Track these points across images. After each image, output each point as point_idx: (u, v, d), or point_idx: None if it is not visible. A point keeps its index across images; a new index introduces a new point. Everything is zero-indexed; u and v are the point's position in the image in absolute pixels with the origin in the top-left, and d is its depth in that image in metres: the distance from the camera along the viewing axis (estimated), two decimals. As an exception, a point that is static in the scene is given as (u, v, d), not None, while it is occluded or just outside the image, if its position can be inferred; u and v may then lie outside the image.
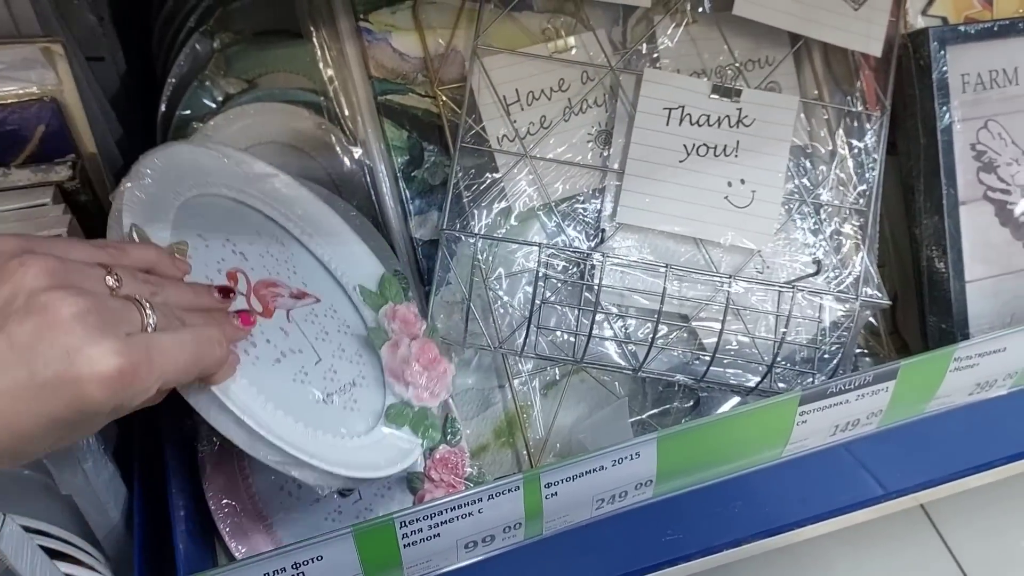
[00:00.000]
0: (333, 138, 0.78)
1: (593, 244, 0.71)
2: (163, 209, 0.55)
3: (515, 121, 0.73)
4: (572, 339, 0.70)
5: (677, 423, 0.75)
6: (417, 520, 0.51)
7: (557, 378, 0.75)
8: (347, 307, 0.66)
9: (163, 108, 0.82)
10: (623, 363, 0.72)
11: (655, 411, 0.77)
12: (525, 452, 0.73)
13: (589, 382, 0.77)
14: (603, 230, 0.69)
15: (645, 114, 0.72)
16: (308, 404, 0.57)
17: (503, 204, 0.73)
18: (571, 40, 0.76)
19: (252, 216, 0.65)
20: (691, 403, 0.75)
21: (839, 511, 0.74)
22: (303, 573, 0.49)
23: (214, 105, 0.80)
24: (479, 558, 0.57)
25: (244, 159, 0.64)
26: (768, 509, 0.71)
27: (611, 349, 0.73)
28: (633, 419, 0.72)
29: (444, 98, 0.74)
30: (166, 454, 0.60)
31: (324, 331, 0.63)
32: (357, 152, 0.77)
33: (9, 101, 0.58)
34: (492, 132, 0.73)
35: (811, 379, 0.72)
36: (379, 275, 0.68)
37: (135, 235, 0.50)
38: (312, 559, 0.49)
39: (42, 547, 0.46)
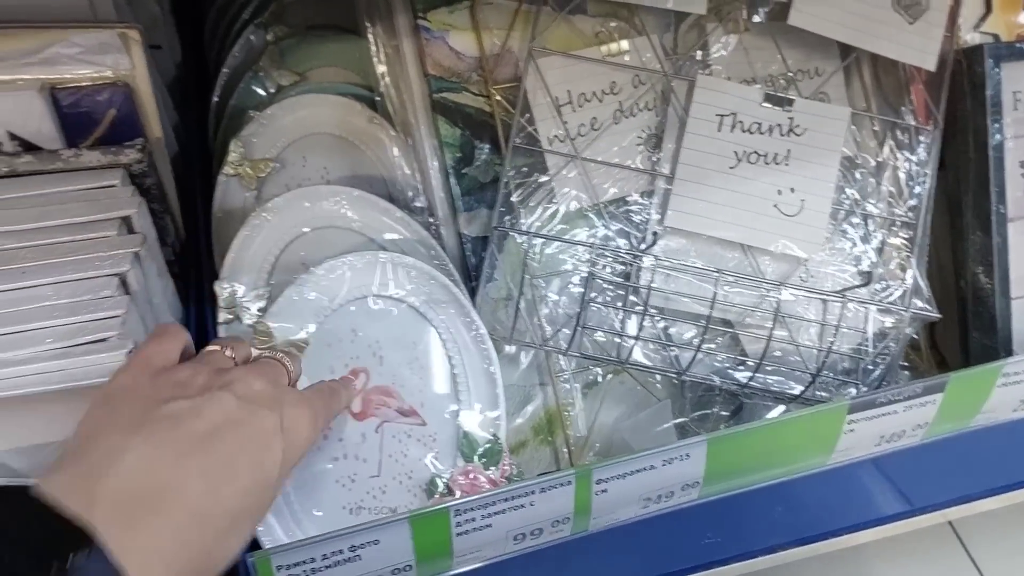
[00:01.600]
0: (383, 133, 0.79)
1: (641, 246, 0.71)
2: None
3: (566, 122, 0.74)
4: (616, 340, 0.71)
5: (715, 428, 0.75)
6: (471, 509, 0.52)
7: (598, 378, 0.75)
8: (450, 444, 0.67)
9: (216, 98, 0.83)
10: (666, 366, 0.73)
11: (694, 415, 0.77)
12: (565, 450, 0.73)
13: (628, 383, 0.77)
14: (655, 233, 0.70)
15: (697, 120, 0.72)
16: (334, 508, 0.62)
17: (552, 204, 0.73)
18: (624, 44, 0.77)
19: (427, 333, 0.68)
20: (732, 409, 0.75)
21: (873, 522, 0.74)
22: (359, 555, 0.50)
23: (266, 96, 0.81)
24: (525, 551, 0.57)
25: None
26: (806, 516, 0.71)
27: (654, 352, 0.74)
28: (672, 422, 0.73)
29: (498, 97, 0.75)
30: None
31: (404, 454, 0.65)
32: (407, 148, 0.78)
33: (84, 84, 0.59)
34: (544, 132, 0.74)
35: (854, 389, 0.72)
36: (488, 436, 0.68)
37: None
38: (369, 542, 0.50)
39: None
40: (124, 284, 0.54)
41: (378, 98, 0.80)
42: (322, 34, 0.84)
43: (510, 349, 0.73)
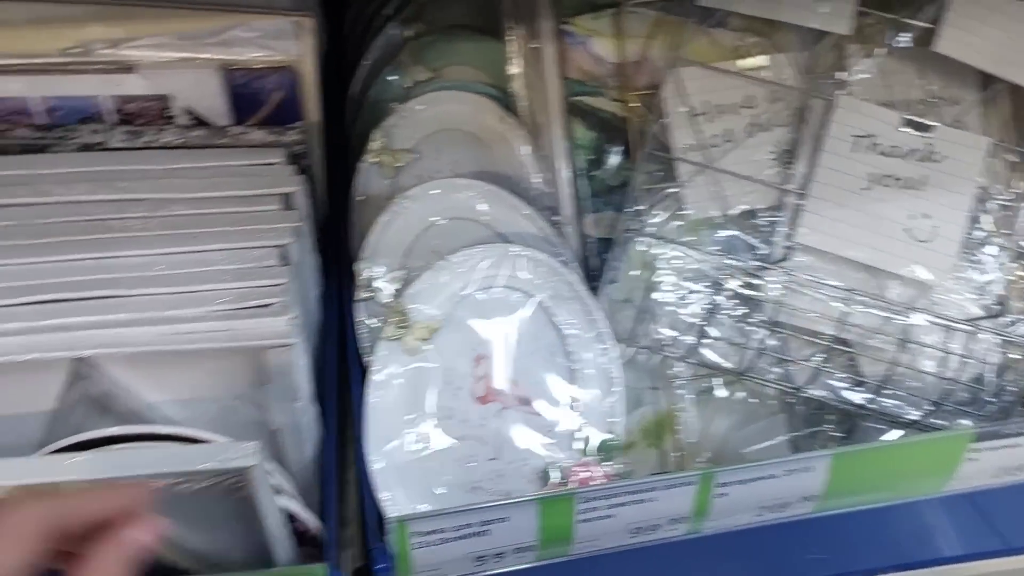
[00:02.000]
0: (512, 132, 0.81)
1: (767, 260, 0.72)
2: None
3: (700, 132, 0.76)
4: (735, 350, 0.72)
5: (824, 446, 0.76)
6: (596, 499, 0.54)
7: (712, 387, 0.76)
8: (566, 436, 0.68)
9: (354, 89, 0.87)
10: (781, 380, 0.73)
11: (803, 432, 0.77)
12: (674, 455, 0.75)
13: (736, 396, 0.78)
14: (788, 248, 0.71)
15: (834, 139, 0.73)
16: (454, 486, 0.64)
17: (680, 212, 0.75)
18: (762, 59, 0.78)
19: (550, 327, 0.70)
20: (844, 429, 0.75)
21: (982, 555, 0.74)
22: (488, 531, 0.53)
23: (401, 90, 0.84)
24: (640, 545, 0.59)
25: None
26: (914, 542, 0.71)
27: (769, 365, 0.74)
28: (784, 437, 0.74)
29: (634, 103, 0.76)
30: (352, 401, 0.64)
31: (521, 441, 0.67)
32: (536, 147, 0.80)
33: (256, 67, 0.63)
34: (677, 141, 0.75)
35: (968, 420, 0.71)
36: (606, 432, 0.69)
37: None
38: (498, 519, 0.52)
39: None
40: (284, 256, 0.57)
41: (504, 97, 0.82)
42: (457, 33, 0.87)
43: (626, 350, 0.75)
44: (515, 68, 0.83)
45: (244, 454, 0.45)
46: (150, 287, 0.54)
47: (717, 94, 0.76)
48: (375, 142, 0.78)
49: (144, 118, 0.64)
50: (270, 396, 0.56)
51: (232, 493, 0.47)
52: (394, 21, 0.89)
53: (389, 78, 0.85)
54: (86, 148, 0.63)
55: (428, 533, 0.52)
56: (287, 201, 0.61)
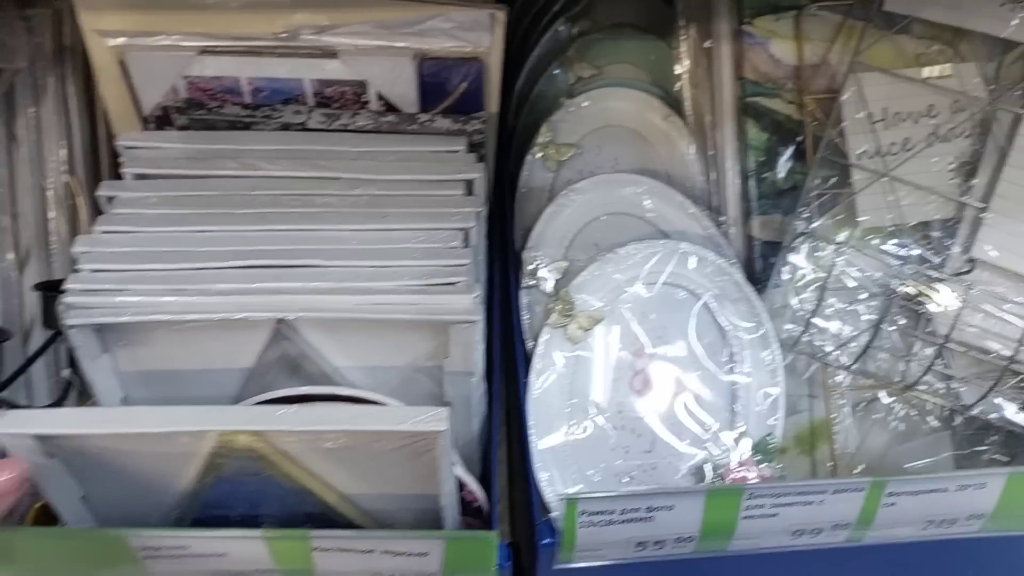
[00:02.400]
0: (676, 131, 0.82)
1: (943, 274, 0.71)
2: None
3: (878, 140, 0.74)
4: (900, 363, 0.70)
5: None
6: (764, 496, 0.54)
7: (872, 399, 0.75)
8: (724, 435, 0.69)
9: (520, 82, 0.89)
10: (946, 397, 0.72)
11: (962, 452, 0.75)
12: (829, 464, 0.74)
13: (897, 409, 0.76)
14: (972, 260, 0.69)
15: (1020, 153, 0.70)
16: (608, 473, 0.66)
17: (852, 219, 0.74)
18: (946, 68, 0.76)
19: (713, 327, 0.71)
20: (1009, 454, 0.73)
21: None
22: (652, 517, 0.54)
23: (565, 86, 0.86)
24: (798, 547, 0.59)
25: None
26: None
27: (934, 380, 0.73)
28: (949, 454, 0.72)
29: (812, 106, 0.76)
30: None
31: (678, 436, 0.68)
32: (701, 146, 0.81)
33: (447, 57, 0.66)
34: (853, 147, 0.74)
35: None
36: (765, 434, 0.70)
37: None
38: (664, 507, 0.53)
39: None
40: (468, 238, 0.60)
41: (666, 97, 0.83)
42: (621, 31, 0.88)
43: (786, 356, 0.74)
44: (682, 67, 0.83)
45: (437, 419, 0.47)
46: (346, 260, 0.57)
47: (897, 101, 0.75)
48: (543, 135, 0.80)
49: (341, 102, 0.67)
50: (447, 369, 0.58)
51: (418, 456, 0.50)
52: (562, 17, 0.91)
53: (556, 73, 0.87)
54: (286, 127, 0.67)
55: (595, 513, 0.53)
56: (469, 187, 0.63)
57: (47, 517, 0.58)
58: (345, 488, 0.54)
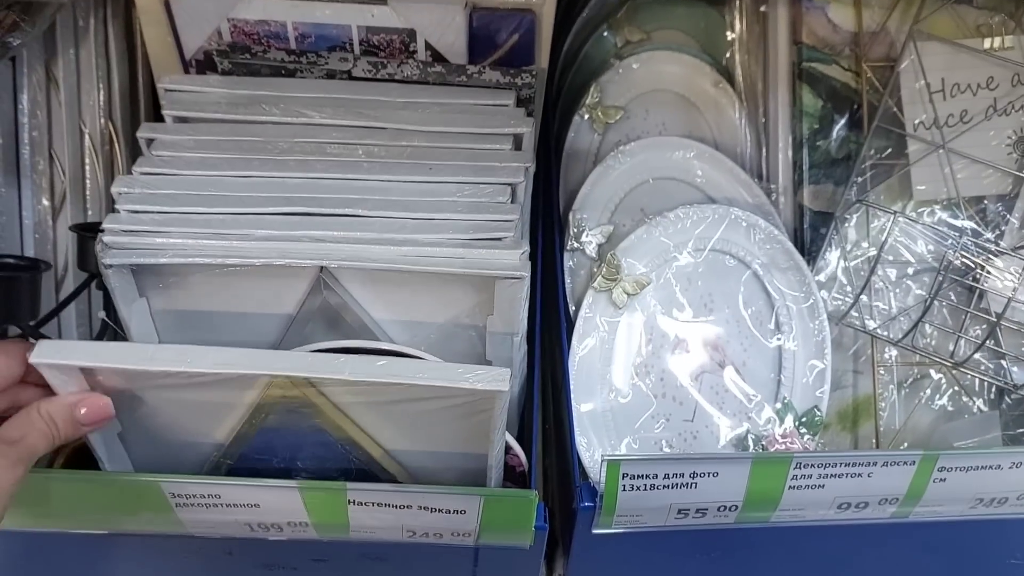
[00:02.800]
0: (725, 97, 0.80)
1: (1000, 249, 0.69)
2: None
3: (935, 111, 0.72)
4: (950, 340, 0.68)
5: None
6: (811, 465, 0.52)
7: (919, 375, 0.73)
8: (768, 405, 0.68)
9: (567, 44, 0.87)
10: (995, 375, 0.70)
11: (1011, 432, 0.73)
12: (872, 441, 0.72)
13: (944, 387, 0.75)
14: (1028, 236, 0.67)
15: (1085, 127, 0.68)
16: (647, 440, 0.65)
17: (906, 191, 0.72)
18: (1008, 40, 0.73)
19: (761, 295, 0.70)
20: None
21: None
22: (696, 483, 0.52)
23: (614, 49, 0.84)
24: (843, 521, 0.57)
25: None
26: None
27: (984, 358, 0.71)
28: (998, 433, 0.70)
29: (869, 75, 0.73)
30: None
31: (719, 406, 0.67)
32: (751, 114, 0.79)
33: (500, 8, 0.64)
34: (909, 117, 0.72)
35: None
36: (810, 406, 0.68)
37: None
38: (709, 473, 0.52)
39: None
40: (514, 194, 0.58)
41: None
42: (672, -2, 0.86)
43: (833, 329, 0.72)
44: (734, 33, 0.81)
45: (499, 378, 0.46)
46: (390, 211, 0.56)
47: (956, 72, 0.73)
48: (591, 96, 0.79)
49: (388, 50, 0.66)
50: (490, 329, 0.57)
51: (472, 415, 0.48)
52: (612, -21, 0.88)
53: (605, 35, 0.85)
54: (331, 75, 0.65)
55: (638, 477, 0.52)
56: (518, 142, 0.62)
57: (79, 461, 0.57)
58: (391, 443, 0.53)
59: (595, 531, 0.55)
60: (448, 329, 0.59)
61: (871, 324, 0.70)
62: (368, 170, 0.58)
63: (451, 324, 0.59)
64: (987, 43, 0.73)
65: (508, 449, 0.55)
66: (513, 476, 0.57)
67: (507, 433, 0.54)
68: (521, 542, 0.54)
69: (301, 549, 0.56)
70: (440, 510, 0.51)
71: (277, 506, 0.52)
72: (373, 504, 0.51)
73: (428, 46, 0.66)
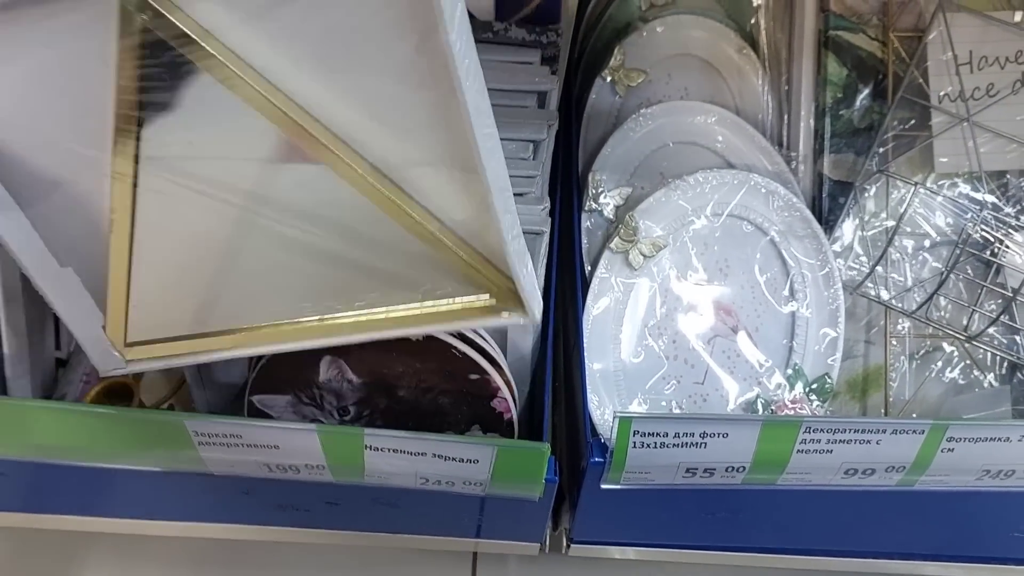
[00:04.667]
0: (749, 64, 0.79)
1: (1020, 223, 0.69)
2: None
3: (961, 83, 0.72)
4: (964, 313, 0.69)
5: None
6: (820, 430, 0.53)
7: (931, 347, 0.74)
8: (779, 371, 0.68)
9: (592, 5, 0.87)
10: (1008, 349, 0.70)
11: (1021, 407, 0.74)
12: (882, 411, 0.73)
13: (955, 360, 0.75)
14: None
15: (1112, 104, 0.68)
16: (657, 401, 0.65)
17: (927, 163, 0.72)
18: (1039, 12, 0.73)
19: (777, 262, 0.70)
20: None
21: None
22: (705, 444, 0.53)
23: (639, 12, 0.84)
24: (849, 487, 0.58)
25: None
26: None
27: (998, 334, 0.71)
28: (1008, 407, 0.70)
29: (896, 44, 0.73)
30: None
31: (730, 370, 0.67)
32: (774, 81, 0.78)
33: (526, -36, 0.64)
34: (935, 88, 0.72)
35: None
36: (821, 373, 0.69)
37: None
38: (719, 433, 0.53)
39: (476, 345, 0.53)
40: (538, 150, 0.59)
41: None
42: (700, -41, 0.85)
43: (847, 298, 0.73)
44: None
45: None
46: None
47: (985, 44, 0.72)
48: (615, 58, 0.78)
49: (414, 5, 0.66)
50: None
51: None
52: (639, -59, 0.88)
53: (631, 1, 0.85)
54: (357, 28, 0.65)
55: (649, 435, 0.52)
56: (542, 99, 0.62)
57: (108, 398, 0.59)
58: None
59: (603, 487, 0.56)
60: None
61: (885, 295, 0.71)
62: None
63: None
64: (1018, 16, 0.72)
65: (496, 392, 0.56)
66: (500, 425, 0.58)
67: (498, 375, 0.55)
68: (531, 494, 0.55)
69: (316, 491, 0.57)
70: (453, 458, 0.52)
71: (295, 448, 0.53)
72: (389, 450, 0.52)
73: (454, 1, 0.65)
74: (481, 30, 0.65)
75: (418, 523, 0.64)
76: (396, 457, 0.53)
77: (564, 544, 0.65)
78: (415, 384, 0.56)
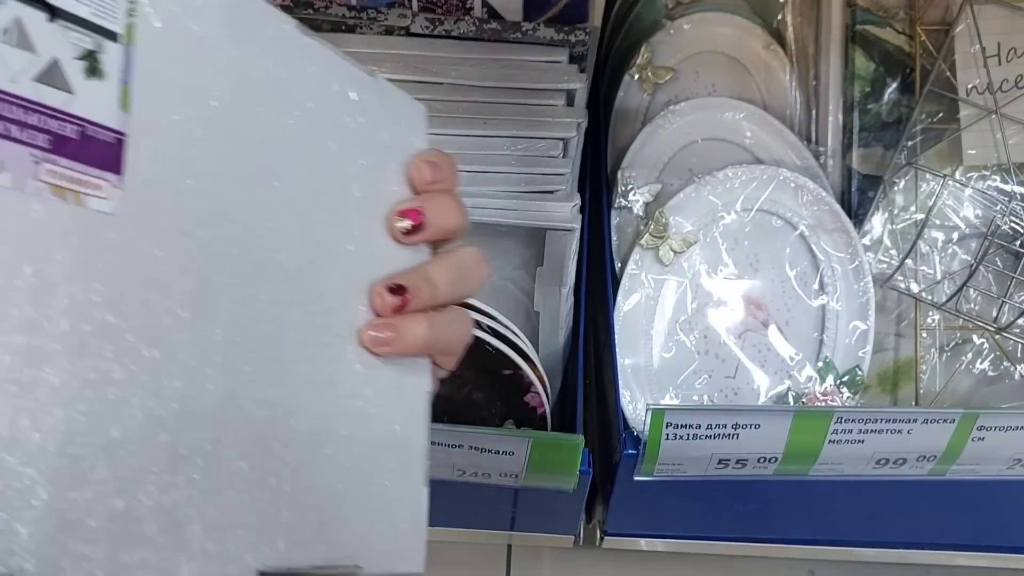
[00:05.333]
0: (776, 60, 0.80)
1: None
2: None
3: (989, 76, 0.72)
4: (994, 305, 0.69)
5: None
6: (853, 420, 0.54)
7: (962, 340, 0.74)
8: (810, 364, 0.69)
9: (619, 3, 0.87)
10: (1040, 343, 0.70)
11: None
12: (912, 403, 0.73)
13: (986, 351, 0.75)
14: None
15: None
16: (688, 395, 0.65)
17: (956, 155, 0.72)
18: (1068, 4, 0.73)
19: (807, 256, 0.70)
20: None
21: None
22: (738, 435, 0.54)
23: (664, 10, 0.84)
24: (881, 476, 0.58)
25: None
26: None
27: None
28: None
29: (923, 38, 0.73)
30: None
31: (761, 364, 0.68)
32: (802, 76, 0.79)
33: (554, -35, 0.65)
34: (962, 81, 0.72)
35: None
36: (852, 366, 0.69)
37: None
38: (751, 425, 0.53)
39: (509, 341, 0.54)
40: (566, 148, 0.60)
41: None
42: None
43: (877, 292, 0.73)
44: (790, -8, 0.81)
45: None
46: (446, 162, 0.57)
47: (1013, 36, 0.72)
48: (642, 56, 0.79)
49: (445, 7, 0.67)
50: (539, 280, 0.59)
51: None
52: (665, -61, 0.88)
53: (656, -3, 0.85)
54: (389, 31, 0.67)
55: (681, 426, 0.53)
56: (570, 98, 0.63)
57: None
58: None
59: (636, 478, 0.57)
60: (499, 282, 0.61)
61: (915, 287, 0.71)
62: (425, 123, 0.60)
63: (501, 277, 0.61)
64: (1046, 7, 0.72)
65: (529, 387, 0.57)
66: (534, 420, 0.59)
67: (531, 371, 0.56)
68: (565, 485, 0.56)
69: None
70: (489, 450, 0.53)
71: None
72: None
73: (484, 3, 0.67)
74: (510, 30, 0.66)
75: (453, 516, 0.65)
76: (433, 449, 0.54)
77: (598, 536, 0.66)
78: (449, 379, 0.57)
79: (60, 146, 0.25)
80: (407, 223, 0.35)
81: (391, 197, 0.36)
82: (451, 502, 0.62)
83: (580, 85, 0.62)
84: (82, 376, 0.24)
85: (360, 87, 0.36)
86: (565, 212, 0.55)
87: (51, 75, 0.25)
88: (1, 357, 0.22)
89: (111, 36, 0.27)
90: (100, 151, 0.26)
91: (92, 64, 0.26)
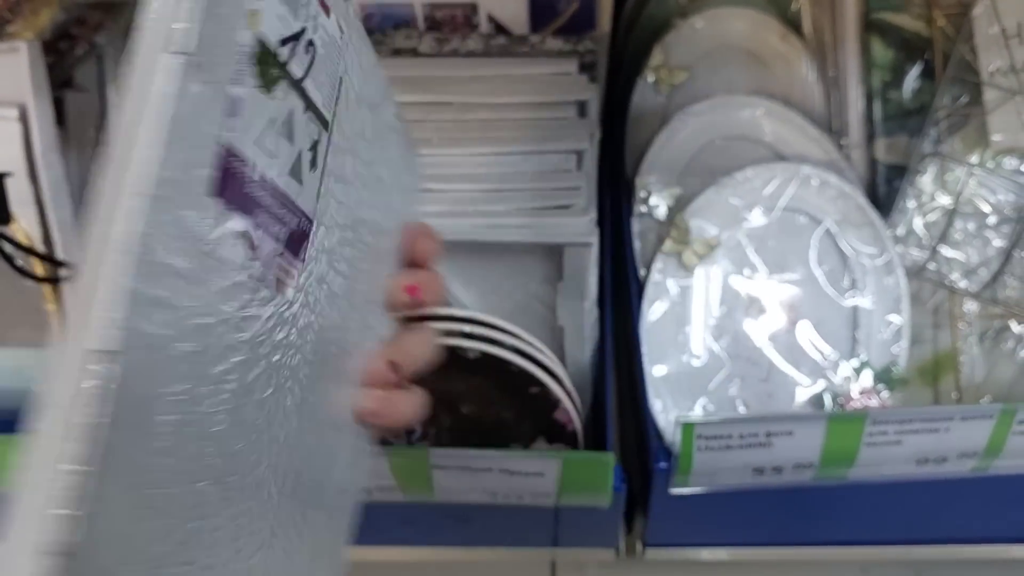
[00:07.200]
0: (794, 52, 0.78)
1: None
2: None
3: (1012, 57, 0.70)
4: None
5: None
6: (887, 422, 0.52)
7: (1001, 328, 0.72)
8: (844, 364, 0.67)
9: (629, 5, 0.86)
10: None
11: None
12: (954, 395, 0.71)
13: (1026, 341, 0.73)
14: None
15: None
16: (721, 400, 0.64)
17: (983, 140, 0.70)
18: (1093, -24, 0.70)
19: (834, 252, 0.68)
20: None
21: None
22: (771, 443, 0.53)
23: (677, 8, 0.83)
24: (923, 476, 0.57)
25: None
26: None
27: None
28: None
29: (941, 22, 0.71)
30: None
31: (795, 365, 0.66)
32: (821, 67, 0.77)
33: (559, -25, 0.65)
34: (985, 64, 0.70)
35: None
36: (888, 363, 0.68)
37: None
38: (784, 432, 0.52)
39: (534, 358, 0.54)
40: (580, 160, 0.59)
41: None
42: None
43: (911, 284, 0.71)
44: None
45: None
46: (460, 183, 0.57)
47: (1035, 14, 0.70)
48: (655, 58, 0.78)
49: (451, 25, 0.67)
50: (561, 294, 0.58)
51: None
52: (673, -64, 0.87)
53: (669, -7, 0.84)
54: (397, 53, 0.67)
55: (713, 438, 0.52)
56: (582, 109, 0.62)
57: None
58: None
59: (672, 491, 0.56)
60: (522, 299, 0.60)
61: (950, 277, 0.69)
62: (436, 145, 0.60)
63: (524, 294, 0.60)
64: (1068, -18, 0.70)
65: (557, 404, 0.56)
66: (564, 436, 0.58)
67: (558, 387, 0.55)
68: (600, 503, 0.55)
69: (387, 510, 0.59)
70: (519, 472, 0.53)
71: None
72: (456, 468, 0.53)
73: (490, 18, 0.66)
74: (517, 44, 0.66)
75: (494, 536, 0.65)
76: (463, 475, 0.54)
77: (639, 548, 0.65)
78: (476, 400, 0.56)
79: (289, 239, 0.25)
80: (408, 298, 0.35)
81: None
82: (491, 523, 0.62)
83: (591, 95, 0.62)
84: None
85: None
86: (581, 226, 0.54)
87: (295, 167, 0.25)
88: None
89: (326, 126, 0.27)
90: (299, 240, 0.26)
91: (314, 155, 0.26)
